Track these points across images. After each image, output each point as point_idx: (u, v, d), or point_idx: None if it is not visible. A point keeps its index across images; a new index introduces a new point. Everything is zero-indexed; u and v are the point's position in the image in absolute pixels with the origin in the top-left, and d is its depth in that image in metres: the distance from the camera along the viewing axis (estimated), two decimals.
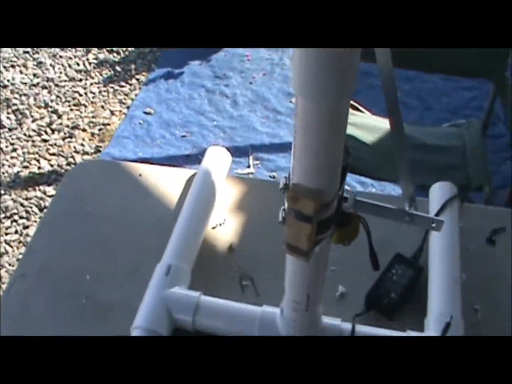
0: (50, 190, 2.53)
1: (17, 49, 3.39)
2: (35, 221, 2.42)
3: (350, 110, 2.03)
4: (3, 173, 2.64)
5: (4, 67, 3.26)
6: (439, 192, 1.23)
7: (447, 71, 2.18)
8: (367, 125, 1.97)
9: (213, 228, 1.21)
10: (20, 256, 2.29)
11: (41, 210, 2.46)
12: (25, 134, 2.81)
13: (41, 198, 2.50)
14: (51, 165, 2.66)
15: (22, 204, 2.49)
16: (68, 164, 2.65)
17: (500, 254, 1.15)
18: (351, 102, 2.07)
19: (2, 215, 2.46)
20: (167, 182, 1.31)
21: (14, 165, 2.67)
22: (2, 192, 2.55)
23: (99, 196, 1.30)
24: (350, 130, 1.96)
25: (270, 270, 1.14)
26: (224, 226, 1.22)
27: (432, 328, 1.00)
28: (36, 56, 3.34)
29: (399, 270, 1.12)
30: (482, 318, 1.06)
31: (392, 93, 0.88)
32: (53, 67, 3.25)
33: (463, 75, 2.26)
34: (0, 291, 2.21)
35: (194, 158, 2.60)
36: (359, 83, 0.62)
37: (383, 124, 1.97)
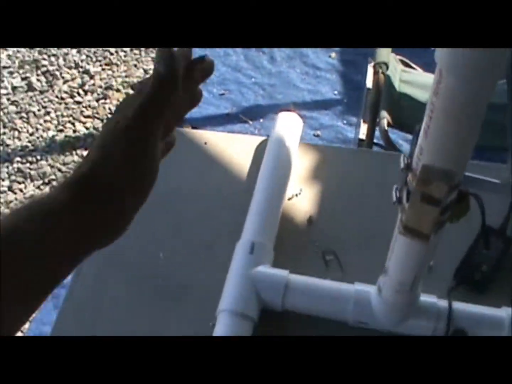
0: None
1: None
2: None
3: (402, 67, 1.95)
4: (37, 137, 2.58)
5: None
6: None
7: None
8: (421, 83, 1.89)
9: (289, 199, 1.15)
10: None
11: None
12: (57, 97, 2.74)
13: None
14: (87, 128, 2.59)
15: (60, 170, 2.43)
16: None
17: None
18: (402, 58, 1.99)
19: (40, 182, 2.41)
20: (235, 151, 1.24)
21: (48, 129, 2.61)
22: (39, 157, 2.49)
23: (165, 167, 1.21)
24: (404, 88, 1.88)
25: (352, 243, 1.09)
26: (301, 197, 1.15)
27: None
28: None
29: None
30: None
31: None
32: None
33: None
34: None
35: (234, 117, 2.53)
36: None
37: None
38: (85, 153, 2.40)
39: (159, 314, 1.03)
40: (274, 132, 1.19)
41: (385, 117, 1.74)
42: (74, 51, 2.96)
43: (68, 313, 1.05)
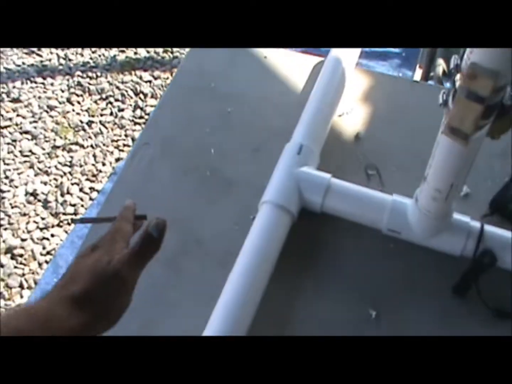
0: (146, 76, 2.53)
1: None
2: (130, 105, 2.44)
3: None
4: (99, 55, 2.65)
5: None
6: None
7: None
8: None
9: (340, 115, 1.19)
10: (115, 138, 2.33)
11: (136, 94, 2.48)
12: None
13: (137, 83, 2.51)
14: (148, 52, 2.65)
15: (118, 87, 2.50)
16: (165, 51, 2.64)
17: None
18: None
19: (98, 96, 2.48)
20: (293, 67, 1.28)
21: (110, 48, 2.68)
22: (99, 73, 2.56)
23: (224, 74, 1.28)
24: None
25: (395, 163, 1.13)
26: (351, 115, 1.20)
27: None
28: None
29: None
30: None
31: None
32: None
33: None
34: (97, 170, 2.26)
35: None
36: None
37: None
38: (143, 74, 2.47)
39: (203, 202, 1.10)
40: (331, 53, 1.23)
41: (441, 65, 1.76)
42: None
43: (117, 194, 1.12)
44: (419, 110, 1.20)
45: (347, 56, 1.22)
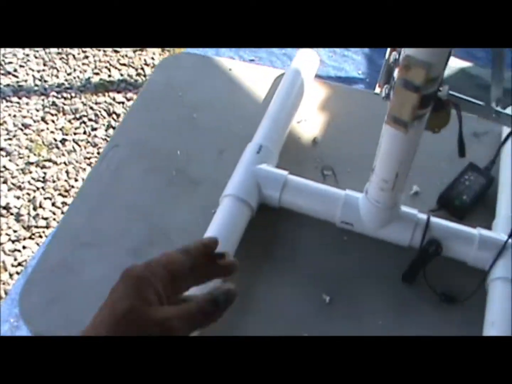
0: (119, 97, 2.61)
1: None
2: (103, 124, 2.51)
3: None
4: (74, 77, 2.72)
5: None
6: None
7: None
8: None
9: (298, 122, 1.27)
10: (88, 155, 2.40)
11: (109, 114, 2.55)
12: None
13: (110, 104, 2.59)
14: (121, 75, 2.73)
15: (91, 108, 2.58)
16: (138, 75, 2.73)
17: None
18: None
19: (72, 116, 2.55)
20: (256, 79, 1.37)
21: (85, 71, 2.76)
22: (73, 94, 2.64)
23: (191, 85, 1.36)
24: None
25: (349, 165, 1.21)
26: (309, 122, 1.28)
27: (500, 229, 1.07)
28: None
29: (471, 177, 1.17)
30: None
31: None
32: None
33: None
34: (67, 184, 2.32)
35: None
36: None
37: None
38: (116, 95, 2.54)
39: (169, 199, 1.16)
40: (292, 64, 1.32)
41: None
42: None
43: (90, 191, 1.19)
44: (375, 118, 1.28)
45: (306, 68, 1.31)
